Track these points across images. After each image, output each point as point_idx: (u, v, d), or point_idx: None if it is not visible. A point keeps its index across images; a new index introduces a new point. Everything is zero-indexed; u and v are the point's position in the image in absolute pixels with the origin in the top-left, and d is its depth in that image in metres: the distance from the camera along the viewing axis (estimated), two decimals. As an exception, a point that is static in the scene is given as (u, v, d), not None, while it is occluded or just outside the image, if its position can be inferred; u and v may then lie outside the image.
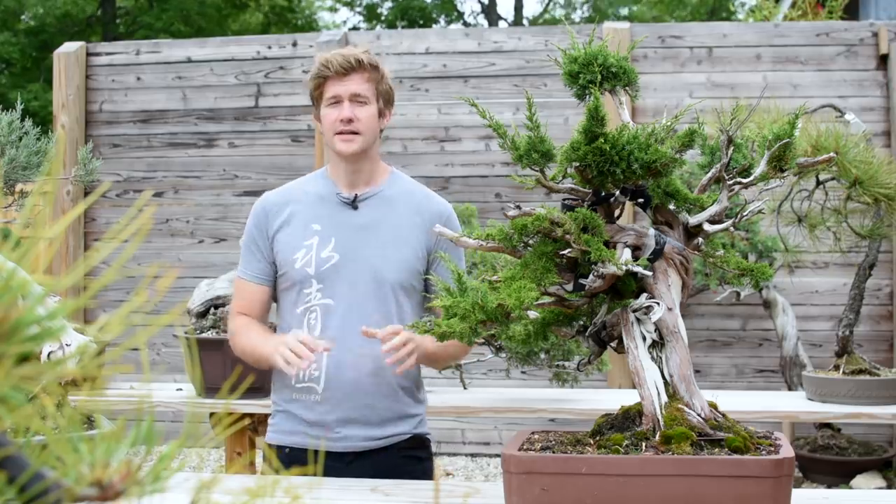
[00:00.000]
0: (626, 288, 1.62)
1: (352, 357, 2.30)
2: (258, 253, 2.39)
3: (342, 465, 2.30)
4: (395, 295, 2.31)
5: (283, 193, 2.44)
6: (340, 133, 2.33)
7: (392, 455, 2.35)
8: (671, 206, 1.66)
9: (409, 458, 2.38)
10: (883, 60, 5.67)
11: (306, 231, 2.35)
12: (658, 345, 1.60)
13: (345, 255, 2.32)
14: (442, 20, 21.38)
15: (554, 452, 1.54)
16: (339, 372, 2.31)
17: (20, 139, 2.66)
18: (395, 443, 2.36)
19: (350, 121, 2.32)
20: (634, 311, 1.60)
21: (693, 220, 1.65)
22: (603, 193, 1.63)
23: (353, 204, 2.36)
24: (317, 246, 2.33)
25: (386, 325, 2.31)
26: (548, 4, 22.32)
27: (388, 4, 20.99)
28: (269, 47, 6.24)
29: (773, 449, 1.52)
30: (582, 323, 1.68)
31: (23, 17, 16.61)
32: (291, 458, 2.34)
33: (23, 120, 2.70)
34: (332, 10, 22.30)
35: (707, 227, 1.64)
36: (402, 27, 19.75)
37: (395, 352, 2.16)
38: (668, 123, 1.62)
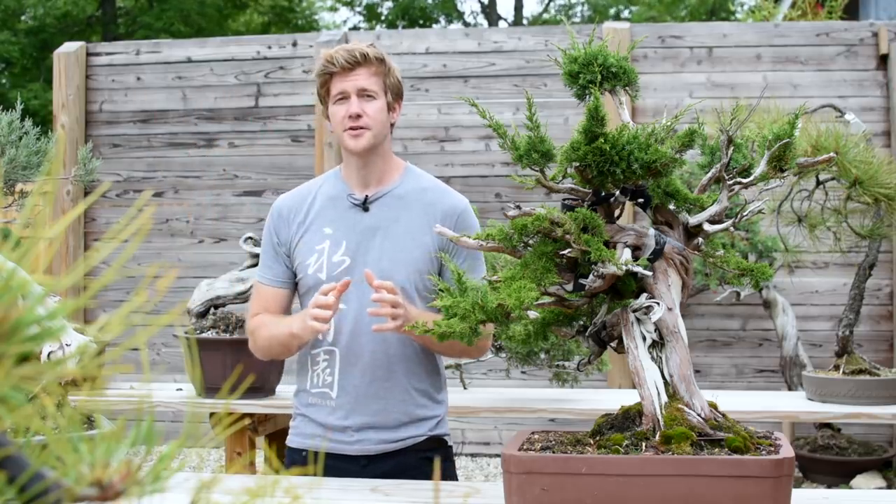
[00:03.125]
0: (626, 288, 1.62)
1: (363, 361, 2.28)
2: (277, 257, 2.36)
3: (357, 467, 2.27)
4: (406, 297, 2.24)
5: (297, 196, 2.40)
6: (349, 129, 2.28)
7: (409, 457, 2.31)
8: (671, 206, 1.66)
9: (427, 460, 2.33)
10: (883, 60, 5.67)
11: (318, 235, 2.32)
12: (658, 345, 1.60)
13: (355, 259, 2.28)
14: (442, 20, 21.38)
15: (554, 452, 1.54)
16: (352, 376, 2.28)
17: (20, 139, 2.66)
18: (410, 445, 2.32)
19: (358, 116, 2.27)
20: (634, 311, 1.60)
21: (693, 220, 1.65)
22: (603, 193, 1.63)
23: (364, 205, 2.32)
24: (328, 250, 2.30)
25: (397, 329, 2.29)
26: (548, 4, 22.32)
27: (388, 4, 20.99)
28: (269, 47, 6.24)
29: (773, 449, 1.52)
30: (582, 323, 1.68)
31: (23, 16, 16.61)
32: (309, 461, 2.33)
33: (23, 120, 2.70)
34: (333, 9, 22.30)
35: (707, 227, 1.64)
36: (403, 27, 19.75)
37: (380, 305, 2.11)
38: (668, 123, 1.62)
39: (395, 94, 2.35)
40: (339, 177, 2.39)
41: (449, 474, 2.39)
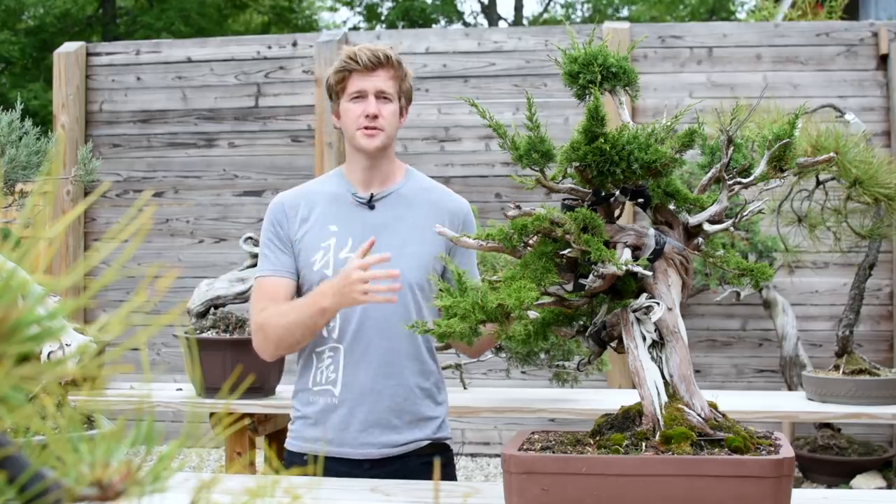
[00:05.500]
0: (626, 288, 1.62)
1: (368, 358, 2.27)
2: (283, 248, 2.33)
3: (360, 471, 2.26)
4: (412, 294, 2.26)
5: (299, 193, 2.39)
6: (364, 128, 2.29)
7: (412, 461, 2.30)
8: (671, 206, 1.66)
9: (429, 465, 2.31)
10: (883, 60, 5.67)
11: (323, 232, 2.31)
12: (658, 345, 1.60)
13: None
14: (442, 20, 21.37)
15: (554, 452, 1.54)
16: (356, 373, 2.27)
17: (20, 139, 2.66)
18: (413, 450, 2.31)
19: (375, 116, 2.28)
20: (634, 311, 1.60)
21: (693, 220, 1.65)
22: (603, 193, 1.63)
23: (370, 203, 2.32)
24: (334, 247, 2.29)
25: (404, 327, 2.27)
26: (548, 4, 22.32)
27: (388, 4, 20.99)
28: (269, 47, 6.24)
29: (773, 449, 1.52)
30: (582, 323, 1.68)
31: (23, 16, 16.61)
32: (310, 464, 2.32)
33: (23, 120, 2.70)
34: (333, 9, 22.30)
35: (707, 227, 1.64)
36: (403, 27, 19.75)
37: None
38: (668, 123, 1.62)
39: (407, 100, 2.39)
40: (341, 176, 2.40)
41: (450, 478, 2.38)
